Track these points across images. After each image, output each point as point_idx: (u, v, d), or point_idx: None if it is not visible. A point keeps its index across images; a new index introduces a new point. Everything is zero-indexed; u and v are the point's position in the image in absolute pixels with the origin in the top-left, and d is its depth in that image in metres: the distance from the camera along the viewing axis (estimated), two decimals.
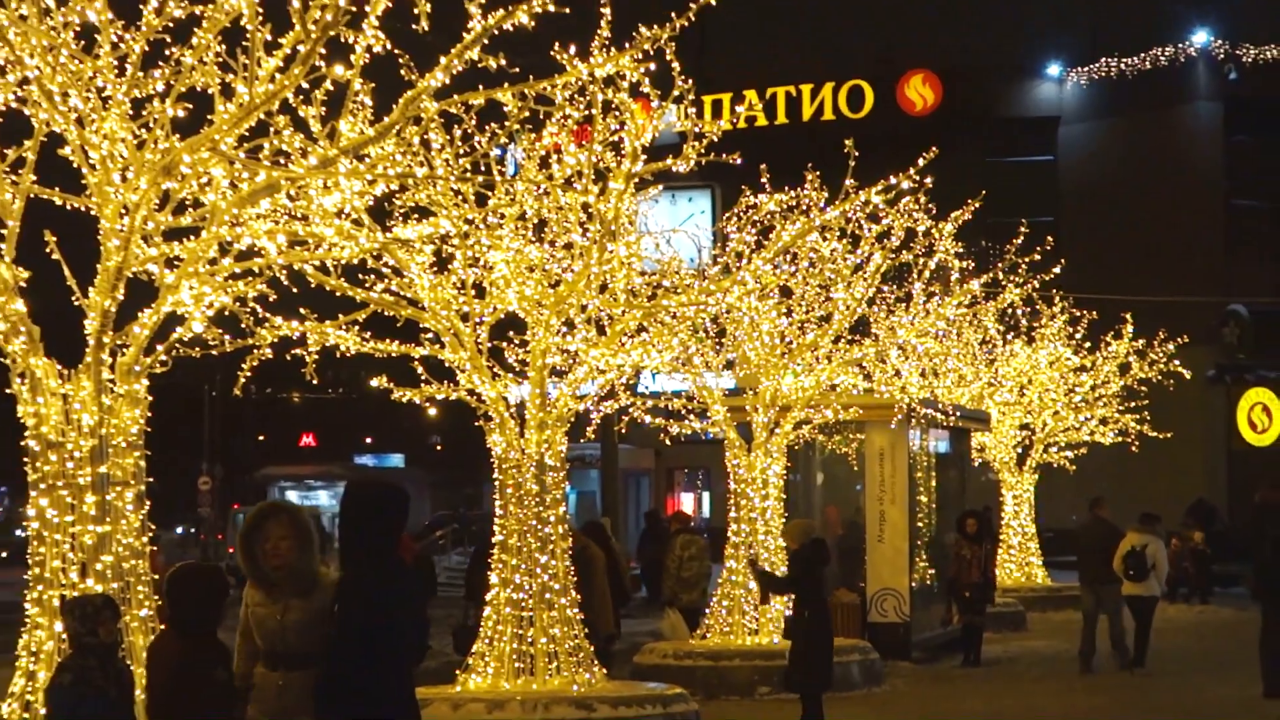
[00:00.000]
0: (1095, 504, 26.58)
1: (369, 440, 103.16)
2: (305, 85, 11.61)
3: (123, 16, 11.37)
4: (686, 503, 42.73)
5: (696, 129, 17.97)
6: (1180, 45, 48.40)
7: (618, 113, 17.12)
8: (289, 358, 14.58)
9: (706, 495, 42.02)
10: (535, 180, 17.07)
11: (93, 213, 11.43)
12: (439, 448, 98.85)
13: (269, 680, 9.43)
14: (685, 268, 20.62)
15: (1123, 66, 49.08)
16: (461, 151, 16.09)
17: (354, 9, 11.21)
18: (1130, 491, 35.25)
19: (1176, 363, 34.15)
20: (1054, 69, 50.19)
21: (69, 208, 11.63)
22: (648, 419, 22.42)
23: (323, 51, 11.29)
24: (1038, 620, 31.70)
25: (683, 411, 23.34)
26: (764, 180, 21.73)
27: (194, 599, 9.61)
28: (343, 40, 11.38)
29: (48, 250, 11.73)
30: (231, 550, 54.39)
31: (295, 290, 13.41)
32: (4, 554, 63.02)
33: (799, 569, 19.71)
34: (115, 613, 9.85)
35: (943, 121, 45.76)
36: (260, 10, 11.22)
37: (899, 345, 25.67)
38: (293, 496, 61.21)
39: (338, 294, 14.80)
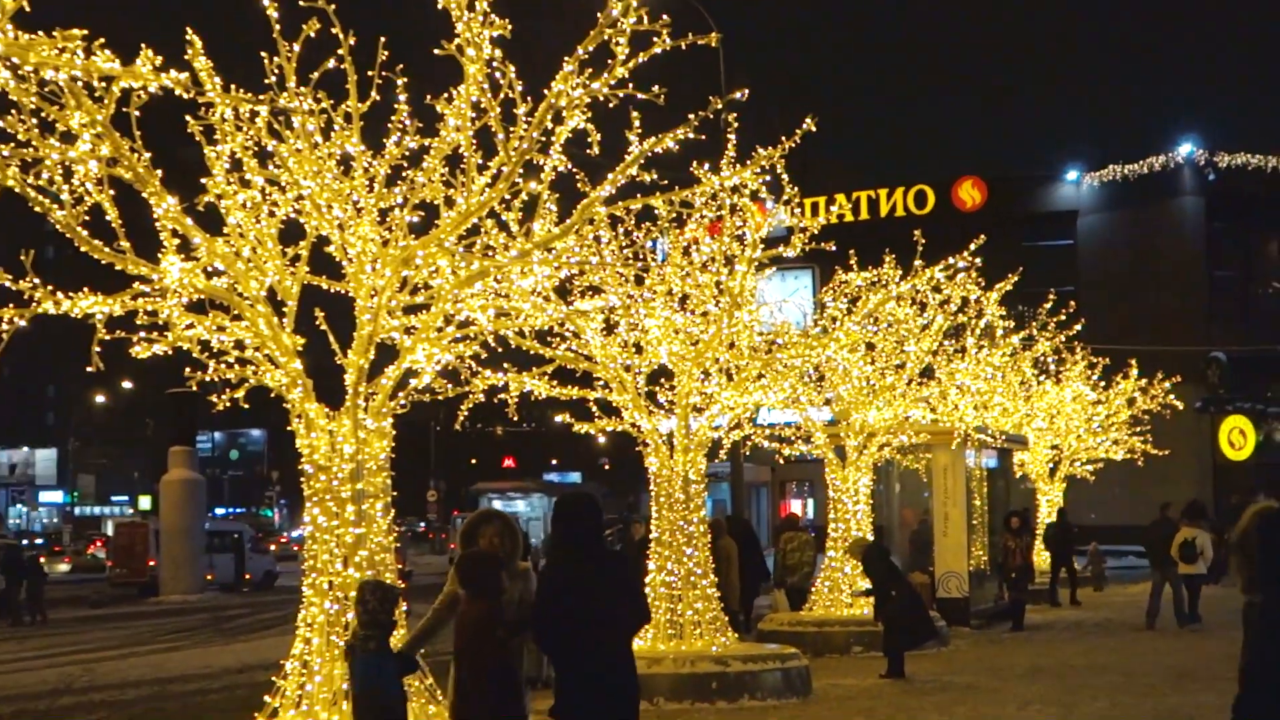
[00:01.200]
0: (1164, 507, 27.12)
1: (554, 462, 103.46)
2: (507, 196, 11.67)
3: (370, 146, 11.51)
4: (795, 507, 42.36)
5: (800, 224, 18.00)
6: (1170, 154, 48.03)
7: (741, 213, 17.18)
8: (495, 400, 14.64)
9: (811, 501, 41.57)
10: (680, 264, 17.15)
11: (350, 294, 11.55)
12: (607, 467, 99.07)
13: None
14: (793, 329, 20.57)
15: (1126, 171, 48.77)
16: (624, 244, 16.21)
17: (544, 139, 11.29)
18: (1137, 496, 34.93)
19: (1171, 397, 33.97)
20: (1073, 174, 49.88)
21: (332, 291, 11.77)
22: (765, 444, 22.46)
23: (521, 171, 11.38)
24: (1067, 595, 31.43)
25: (792, 438, 23.35)
26: (852, 262, 21.75)
27: (485, 575, 9.53)
28: (535, 162, 11.46)
29: (317, 323, 11.88)
30: (453, 546, 54.57)
31: (500, 350, 13.44)
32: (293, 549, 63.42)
33: (877, 573, 19.80)
34: (398, 601, 9.91)
35: (988, 215, 45.38)
36: (474, 140, 11.33)
37: (957, 386, 25.50)
38: (498, 504, 61.08)
39: (532, 352, 14.87)
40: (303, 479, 11.39)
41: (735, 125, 15.59)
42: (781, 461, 24.76)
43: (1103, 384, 33.00)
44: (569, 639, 8.76)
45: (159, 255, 10.78)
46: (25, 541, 65.89)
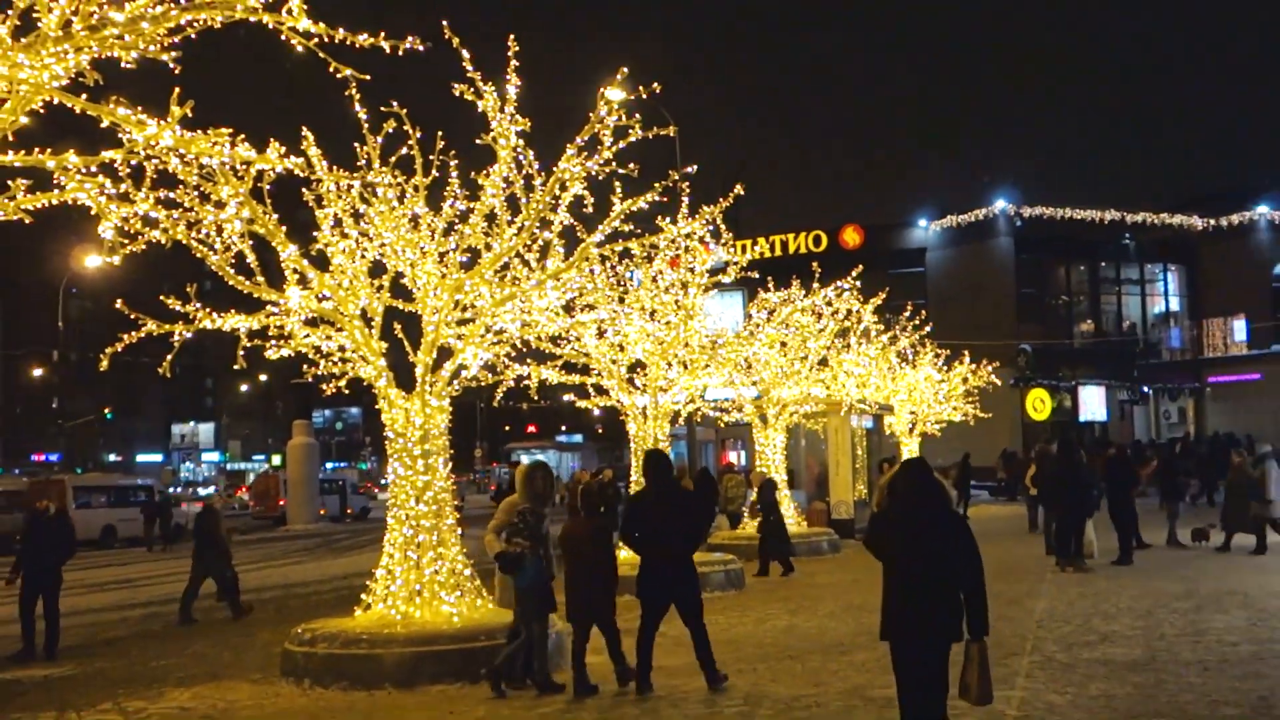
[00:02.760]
0: (965, 455, 26.49)
1: (564, 428, 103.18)
2: (528, 242, 11.66)
3: (431, 208, 11.49)
4: (732, 457, 42.30)
5: (733, 259, 18.03)
6: (990, 207, 48.05)
7: (692, 252, 17.14)
8: (521, 385, 14.60)
9: (744, 453, 41.46)
10: (649, 288, 17.11)
11: (418, 312, 11.53)
12: (600, 431, 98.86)
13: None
14: (729, 333, 20.56)
15: (960, 220, 48.78)
16: (611, 274, 16.16)
17: (553, 201, 11.27)
18: (968, 445, 35.04)
19: (992, 376, 34.00)
20: (924, 221, 49.83)
21: (406, 310, 11.74)
22: (711, 412, 22.40)
23: (537, 224, 11.36)
24: None
25: (729, 409, 23.32)
26: (769, 285, 21.76)
27: (589, 501, 10.03)
28: (547, 218, 11.44)
29: (396, 333, 11.84)
30: (493, 487, 54.37)
31: (524, 349, 13.43)
32: (380, 494, 63.23)
33: (764, 501, 19.92)
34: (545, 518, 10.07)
35: (865, 251, 45.35)
36: (504, 203, 11.31)
37: (844, 371, 25.52)
38: (524, 458, 60.63)
39: (546, 350, 14.83)
40: (386, 441, 11.39)
41: (687, 190, 15.58)
42: (722, 425, 24.72)
43: (945, 368, 33.02)
44: (643, 540, 9.71)
45: (284, 286, 10.77)
46: (184, 490, 65.50)
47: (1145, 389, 50.27)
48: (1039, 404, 44.43)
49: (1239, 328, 49.32)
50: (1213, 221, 50.59)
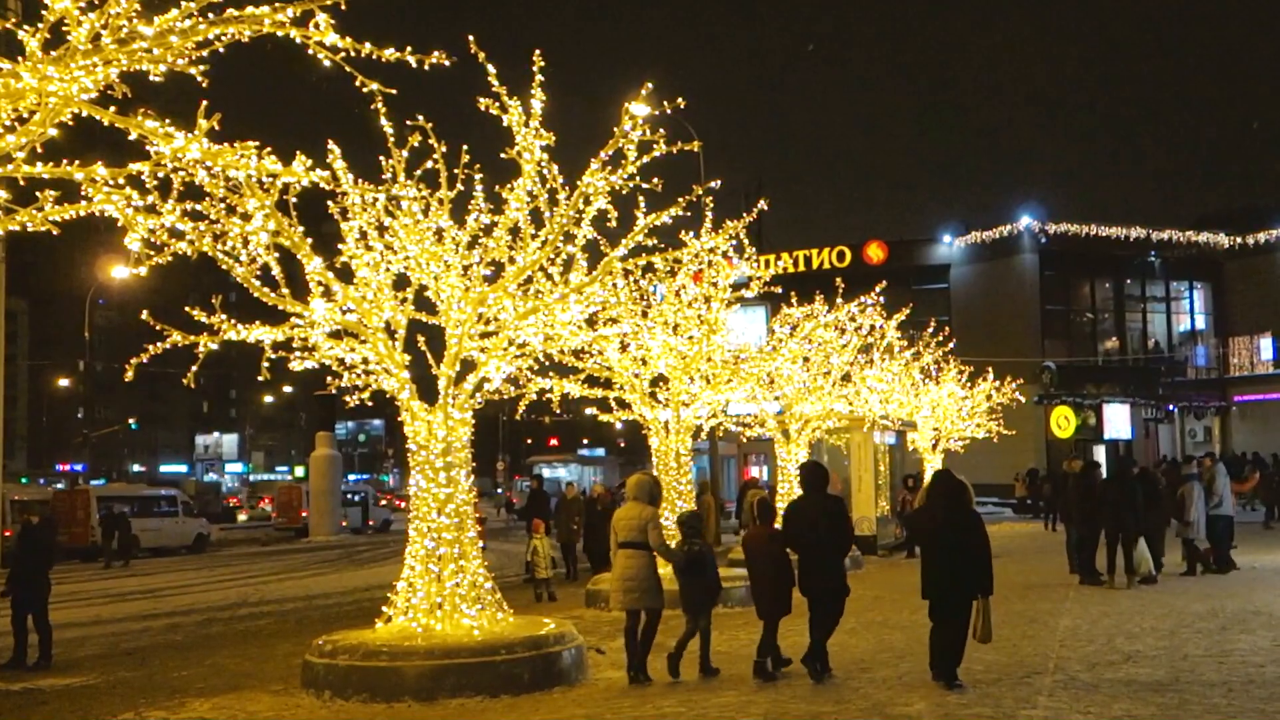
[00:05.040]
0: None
1: (585, 441, 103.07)
2: (553, 255, 11.68)
3: (456, 221, 11.51)
4: (754, 471, 42.18)
5: (757, 274, 18.02)
6: (1014, 224, 47.93)
7: (715, 266, 17.14)
8: (543, 398, 14.60)
9: (766, 468, 41.33)
10: (672, 303, 17.11)
11: (442, 324, 11.56)
12: (623, 445, 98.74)
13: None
14: (752, 348, 20.52)
15: (984, 236, 48.67)
16: (634, 289, 16.16)
17: (577, 215, 11.29)
18: (991, 463, 34.89)
19: (1016, 393, 33.84)
20: (948, 238, 49.72)
21: (428, 322, 11.77)
22: (734, 427, 22.36)
23: (561, 238, 11.38)
24: None
25: (751, 423, 23.27)
26: (792, 301, 21.71)
27: (767, 511, 11.33)
28: (570, 232, 11.46)
29: (419, 346, 11.87)
30: (515, 500, 54.22)
31: (548, 362, 13.43)
32: (401, 505, 63.40)
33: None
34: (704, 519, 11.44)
35: (889, 267, 45.30)
36: (529, 216, 11.33)
37: (867, 386, 25.45)
38: (546, 473, 60.67)
39: (568, 364, 14.84)
40: (409, 454, 11.38)
41: (711, 204, 15.60)
42: (744, 439, 24.64)
43: (969, 384, 32.91)
44: (802, 542, 10.60)
45: (308, 298, 10.80)
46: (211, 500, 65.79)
47: (1171, 407, 49.93)
48: (1063, 421, 44.19)
49: (1266, 346, 48.94)
50: (1239, 239, 50.28)
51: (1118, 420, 48.23)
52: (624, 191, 11.40)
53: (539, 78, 10.70)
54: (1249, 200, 66.07)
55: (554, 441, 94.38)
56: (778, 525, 11.35)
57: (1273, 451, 39.91)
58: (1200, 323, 52.33)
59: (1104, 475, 18.90)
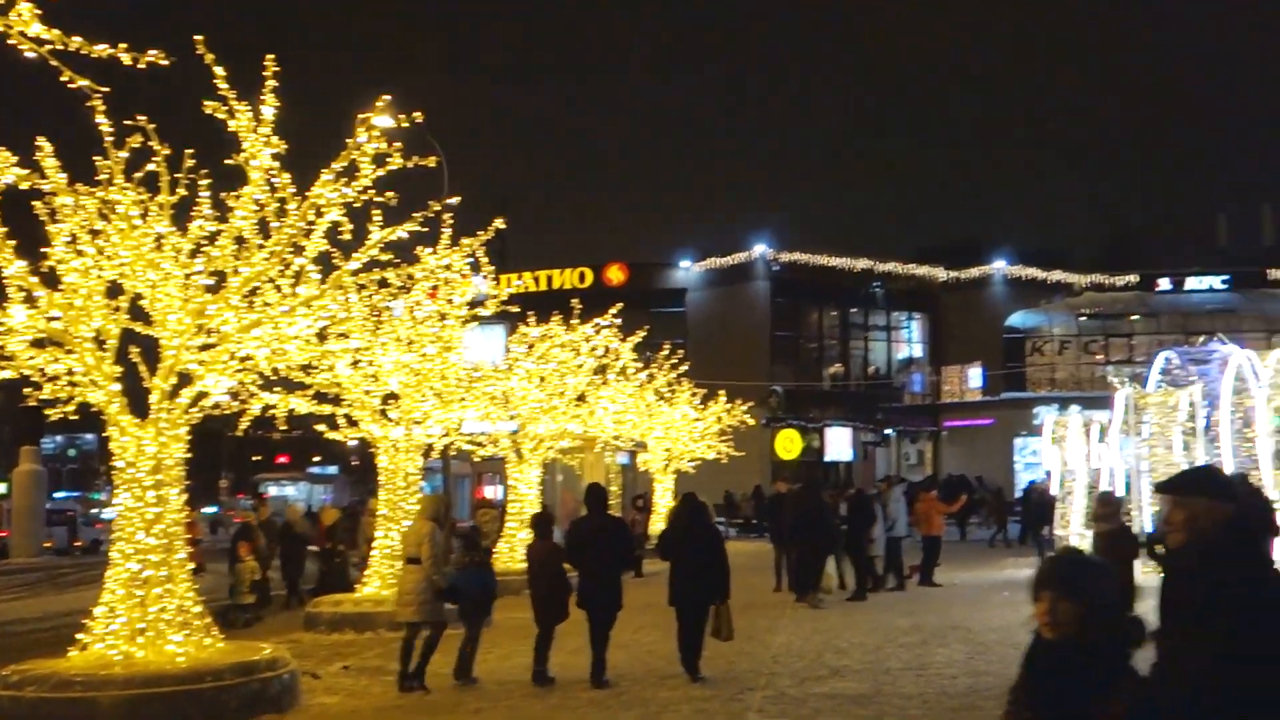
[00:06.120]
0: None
1: (317, 458, 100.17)
2: (282, 266, 11.37)
3: (177, 227, 11.05)
4: (488, 491, 42.11)
5: (494, 293, 18.05)
6: (749, 252, 49.67)
7: (451, 283, 17.06)
8: (271, 414, 14.17)
9: (500, 487, 41.34)
10: (407, 319, 16.91)
11: (157, 335, 11.07)
12: (355, 462, 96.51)
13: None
14: (488, 365, 20.54)
15: (720, 262, 50.25)
16: (367, 304, 15.89)
17: (308, 226, 11.06)
18: (720, 482, 35.84)
19: (746, 416, 34.94)
20: (685, 263, 50.97)
21: (142, 333, 11.25)
22: (467, 446, 22.24)
23: (289, 249, 11.12)
24: None
25: (485, 442, 23.19)
26: (530, 320, 21.86)
27: (544, 525, 12.17)
28: (298, 244, 11.21)
29: (130, 356, 11.32)
30: (237, 519, 52.01)
31: (274, 377, 13.06)
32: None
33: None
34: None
35: (628, 289, 46.04)
36: (256, 227, 10.99)
37: (602, 407, 25.84)
38: (273, 490, 58.46)
39: (296, 379, 14.45)
40: (114, 471, 10.88)
41: (451, 221, 15.52)
42: (477, 459, 24.57)
43: (701, 406, 33.83)
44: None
45: (4, 304, 10.16)
46: None
47: (888, 431, 52.90)
48: (789, 444, 46.03)
49: (974, 375, 52.51)
50: (954, 274, 53.86)
51: (839, 443, 50.67)
52: (357, 205, 11.26)
53: (271, 83, 10.45)
54: (965, 236, 70.77)
55: (284, 459, 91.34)
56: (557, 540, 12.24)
57: (978, 474, 42.85)
58: (918, 351, 55.74)
59: (820, 498, 19.81)
